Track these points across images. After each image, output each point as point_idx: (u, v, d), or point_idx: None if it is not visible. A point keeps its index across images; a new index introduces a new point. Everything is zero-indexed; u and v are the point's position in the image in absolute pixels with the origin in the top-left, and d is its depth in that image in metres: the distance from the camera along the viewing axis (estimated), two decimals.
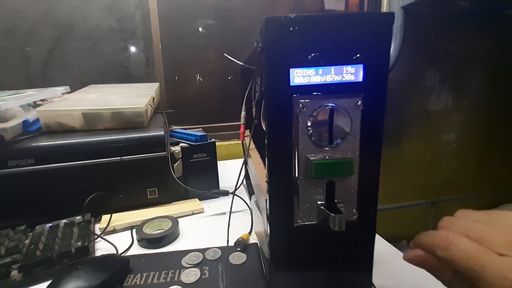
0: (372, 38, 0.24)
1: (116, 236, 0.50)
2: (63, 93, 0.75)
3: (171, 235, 0.47)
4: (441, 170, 1.39)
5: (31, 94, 0.64)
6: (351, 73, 0.24)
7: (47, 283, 0.35)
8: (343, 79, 0.24)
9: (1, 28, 0.86)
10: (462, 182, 1.43)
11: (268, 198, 0.27)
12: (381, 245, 0.46)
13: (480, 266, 0.19)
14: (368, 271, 0.30)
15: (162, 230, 0.48)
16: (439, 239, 0.21)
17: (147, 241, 0.46)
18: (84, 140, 0.52)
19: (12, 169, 0.48)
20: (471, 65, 1.29)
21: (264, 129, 0.27)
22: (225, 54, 0.47)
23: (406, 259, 0.25)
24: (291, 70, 0.24)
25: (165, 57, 1.00)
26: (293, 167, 0.26)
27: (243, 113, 0.47)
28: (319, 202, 0.26)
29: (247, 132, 0.52)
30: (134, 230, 0.49)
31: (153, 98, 0.72)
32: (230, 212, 0.42)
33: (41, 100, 0.63)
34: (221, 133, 1.06)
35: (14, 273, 0.39)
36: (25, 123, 0.54)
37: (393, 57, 1.02)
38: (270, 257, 0.29)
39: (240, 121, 0.47)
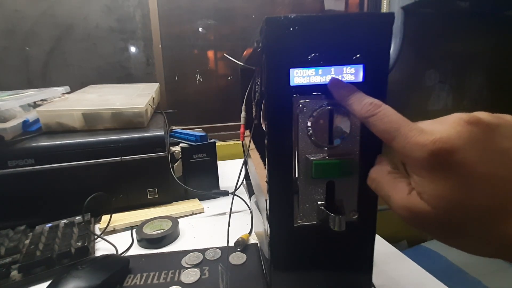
0: (372, 38, 0.24)
1: (116, 236, 0.50)
2: (63, 93, 0.75)
3: (171, 235, 0.47)
4: None
5: (31, 94, 0.64)
6: (351, 73, 0.24)
7: (47, 283, 0.35)
8: (343, 79, 0.24)
9: (1, 28, 0.86)
10: None
11: (268, 198, 0.27)
12: (381, 245, 0.46)
13: (396, 128, 0.19)
14: (368, 271, 0.30)
15: (162, 230, 0.48)
16: (369, 104, 0.22)
17: (147, 241, 0.46)
18: (84, 140, 0.52)
19: (12, 169, 0.48)
20: (471, 65, 1.29)
21: (264, 129, 0.27)
22: (225, 54, 0.47)
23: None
24: (291, 70, 0.24)
25: (165, 57, 1.00)
26: (293, 167, 0.26)
27: (243, 113, 0.47)
28: (319, 202, 0.26)
29: (247, 132, 0.52)
30: (134, 230, 0.49)
31: (153, 98, 0.72)
32: (230, 212, 0.42)
33: (41, 100, 0.63)
34: (221, 133, 1.06)
35: (14, 273, 0.39)
36: (25, 123, 0.54)
37: (393, 57, 1.02)
38: (270, 257, 0.29)
39: (240, 121, 0.47)
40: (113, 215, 0.51)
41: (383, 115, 0.20)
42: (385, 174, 0.22)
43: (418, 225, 0.19)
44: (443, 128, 0.18)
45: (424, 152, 0.17)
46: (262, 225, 0.36)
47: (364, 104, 0.22)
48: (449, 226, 0.18)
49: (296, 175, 0.26)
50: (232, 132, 1.05)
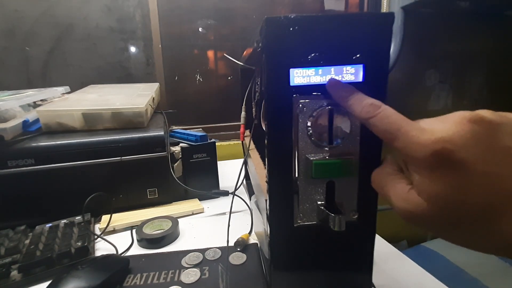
0: (372, 38, 0.24)
1: (116, 236, 0.50)
2: (63, 93, 0.75)
3: (171, 235, 0.47)
4: None
5: (31, 94, 0.64)
6: (351, 73, 0.24)
7: (47, 283, 0.35)
8: (343, 79, 0.24)
9: (1, 28, 0.86)
10: None
11: (268, 198, 0.27)
12: (381, 245, 0.46)
13: (397, 128, 0.19)
14: (368, 271, 0.30)
15: (162, 230, 0.48)
16: (370, 105, 0.21)
17: (147, 241, 0.46)
18: (84, 140, 0.52)
19: (12, 169, 0.48)
20: (471, 65, 1.29)
21: (264, 129, 0.27)
22: (225, 54, 0.47)
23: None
24: (291, 70, 0.24)
25: (165, 57, 1.00)
26: (293, 167, 0.26)
27: (243, 113, 0.47)
28: (319, 202, 0.26)
29: (247, 132, 0.52)
30: (134, 230, 0.49)
31: (153, 98, 0.72)
32: (230, 212, 0.42)
33: (41, 100, 0.63)
34: (221, 133, 1.06)
35: (14, 273, 0.39)
36: (25, 123, 0.54)
37: (393, 57, 1.02)
38: (270, 257, 0.29)
39: (240, 121, 0.47)
40: (113, 215, 0.51)
41: (384, 115, 0.20)
42: (386, 175, 0.22)
43: (417, 223, 0.19)
44: (445, 127, 0.18)
45: (425, 152, 0.18)
46: (262, 225, 0.36)
47: (364, 105, 0.22)
48: (448, 223, 0.18)
49: (296, 175, 0.26)
50: (232, 132, 1.05)
